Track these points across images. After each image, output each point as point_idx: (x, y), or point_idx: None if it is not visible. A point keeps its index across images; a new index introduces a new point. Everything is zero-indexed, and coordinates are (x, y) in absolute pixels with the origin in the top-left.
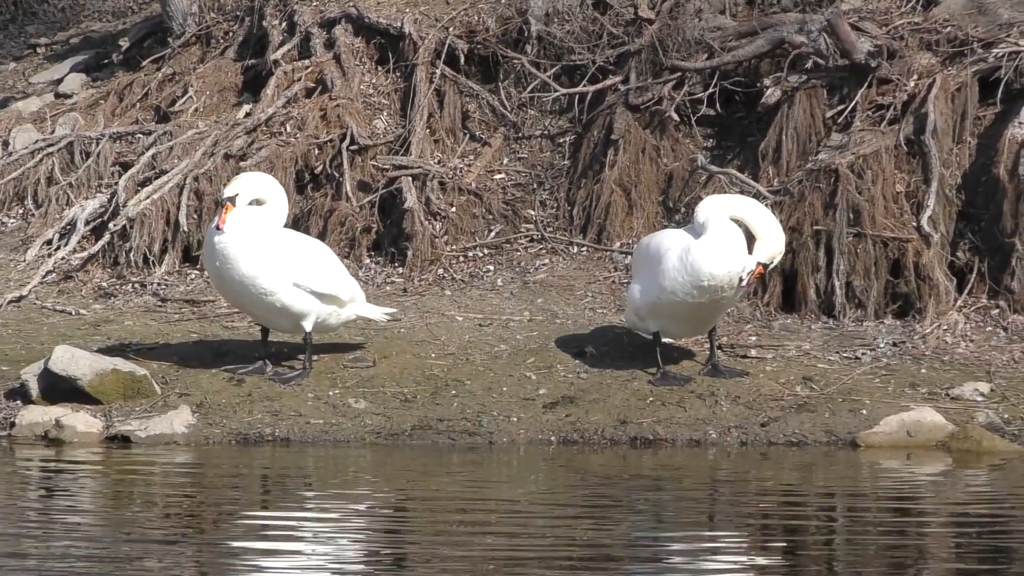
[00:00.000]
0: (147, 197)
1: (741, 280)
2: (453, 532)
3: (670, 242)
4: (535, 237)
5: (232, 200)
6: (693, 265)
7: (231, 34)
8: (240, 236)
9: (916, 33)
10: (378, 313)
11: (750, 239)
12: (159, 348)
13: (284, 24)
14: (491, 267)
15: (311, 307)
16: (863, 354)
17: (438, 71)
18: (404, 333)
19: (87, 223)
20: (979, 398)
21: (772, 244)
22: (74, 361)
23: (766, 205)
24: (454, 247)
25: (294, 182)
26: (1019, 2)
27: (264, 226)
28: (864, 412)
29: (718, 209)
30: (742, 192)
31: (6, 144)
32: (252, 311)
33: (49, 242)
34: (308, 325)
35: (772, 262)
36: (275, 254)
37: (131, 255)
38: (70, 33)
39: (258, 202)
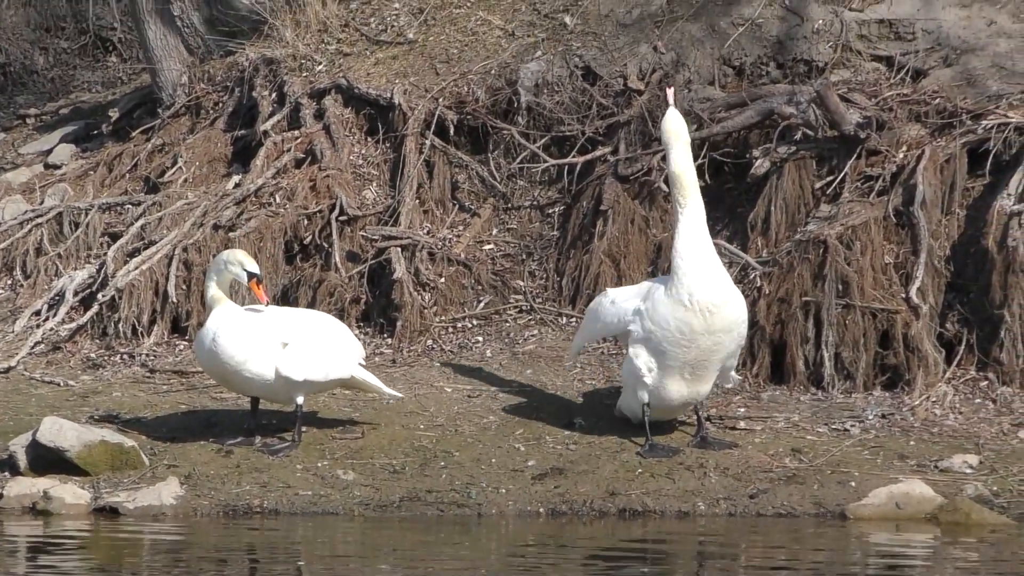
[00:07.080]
0: (136, 268)
1: None
2: None
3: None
4: (524, 308)
5: (259, 276)
6: (680, 286)
7: (221, 105)
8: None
9: (905, 104)
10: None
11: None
12: (148, 419)
13: (274, 95)
14: (480, 338)
15: (303, 388)
16: (852, 426)
17: (427, 142)
18: (393, 404)
19: (76, 294)
20: (968, 470)
21: None
22: (62, 432)
23: (755, 276)
24: (443, 318)
25: (283, 252)
26: (1008, 74)
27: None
28: (853, 484)
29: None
30: (731, 264)
31: None
32: (244, 389)
33: (38, 313)
34: (300, 399)
35: None
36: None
37: (120, 326)
38: (60, 104)
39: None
